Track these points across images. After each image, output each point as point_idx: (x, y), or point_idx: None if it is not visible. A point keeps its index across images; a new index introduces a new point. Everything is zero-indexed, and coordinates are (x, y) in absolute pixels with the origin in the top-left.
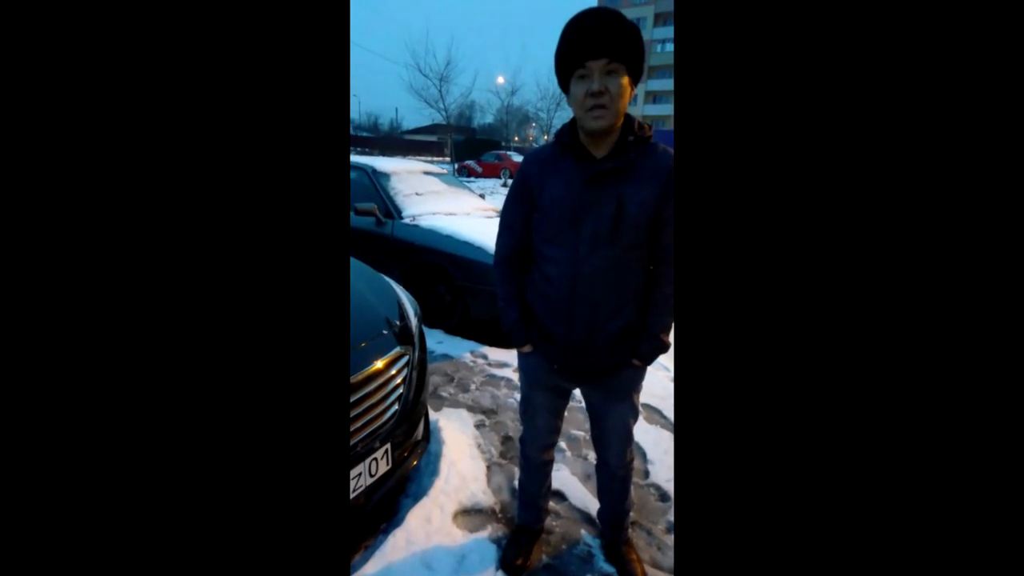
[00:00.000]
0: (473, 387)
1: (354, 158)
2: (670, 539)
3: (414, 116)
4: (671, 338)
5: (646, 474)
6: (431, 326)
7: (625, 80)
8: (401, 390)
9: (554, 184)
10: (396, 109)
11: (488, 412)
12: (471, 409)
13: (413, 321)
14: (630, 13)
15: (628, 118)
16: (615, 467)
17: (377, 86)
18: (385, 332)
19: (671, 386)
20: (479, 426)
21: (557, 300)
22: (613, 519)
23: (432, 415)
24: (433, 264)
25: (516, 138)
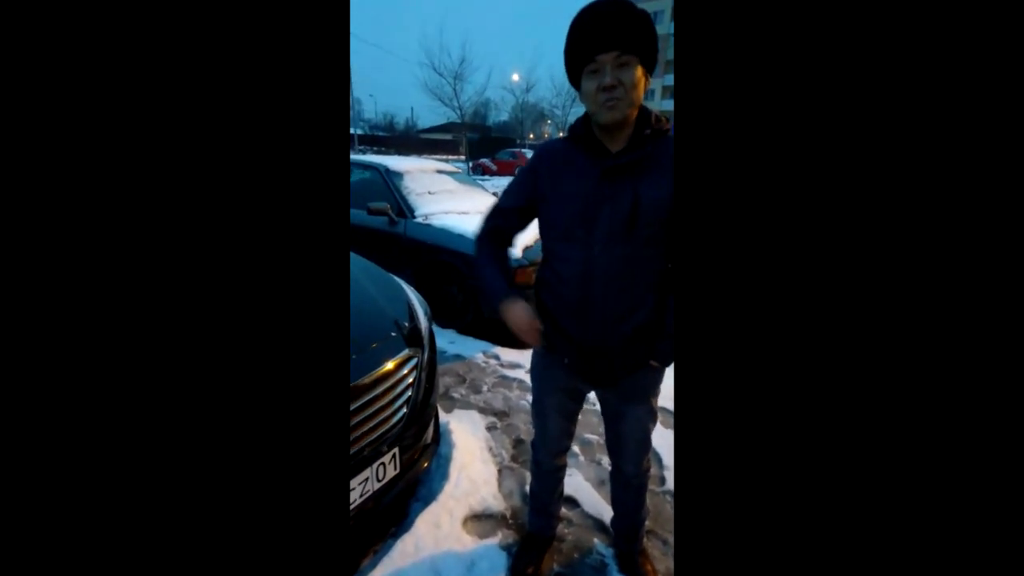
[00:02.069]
0: (485, 388)
1: (367, 157)
2: None
3: (429, 115)
4: None
5: (662, 481)
6: (443, 326)
7: (639, 71)
8: (410, 393)
9: (567, 179)
10: (412, 108)
11: (500, 414)
12: (482, 411)
13: (423, 322)
14: (649, 6)
15: (644, 111)
16: (631, 475)
17: (393, 85)
18: (394, 334)
19: None
20: (490, 428)
21: (570, 299)
22: (628, 529)
23: (443, 417)
24: (445, 263)
25: (531, 135)
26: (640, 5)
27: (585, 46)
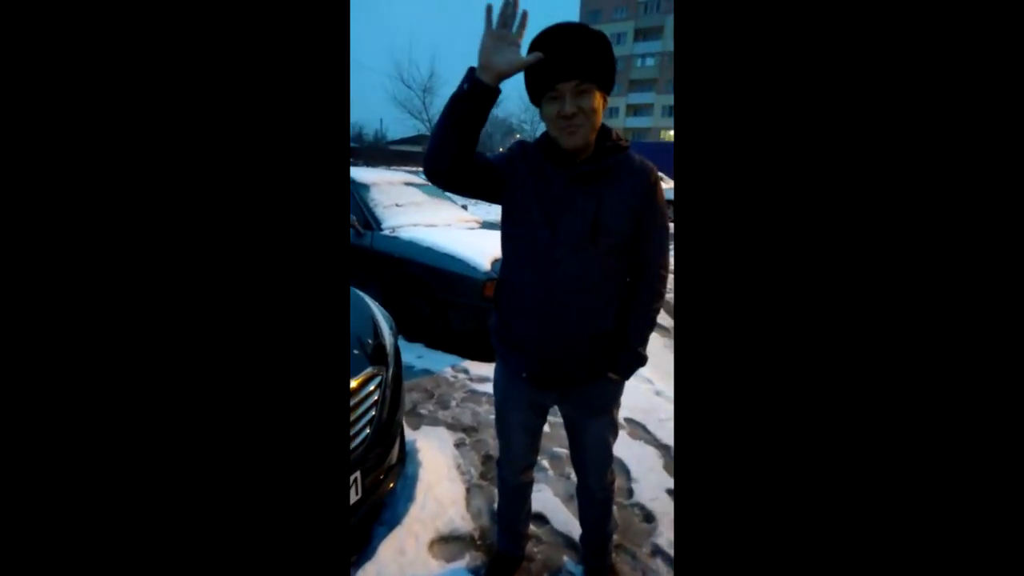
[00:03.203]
0: (453, 404)
1: None
2: (655, 563)
3: (398, 127)
4: (647, 351)
5: (630, 493)
6: (411, 340)
7: (597, 96)
8: (373, 412)
9: (535, 182)
10: (381, 120)
11: (468, 430)
12: (451, 427)
13: (388, 338)
14: (611, 28)
15: (604, 128)
16: (595, 489)
17: (361, 96)
18: (356, 352)
19: (655, 399)
20: (459, 445)
21: (532, 302)
22: (596, 545)
23: (410, 434)
24: (413, 276)
25: (500, 148)
26: (601, 27)
27: (545, 73)
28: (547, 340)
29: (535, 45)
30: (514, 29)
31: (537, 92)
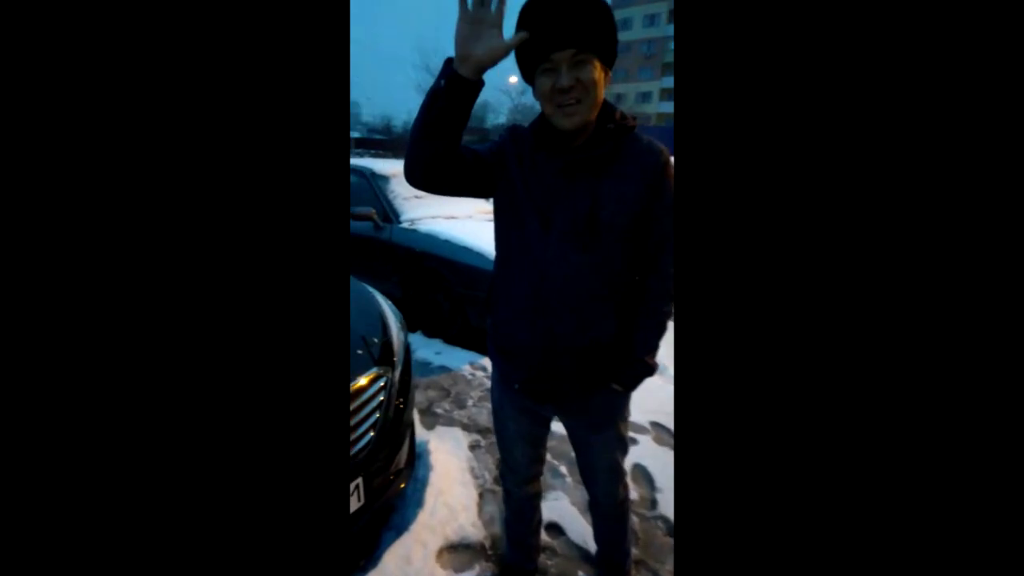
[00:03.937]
0: (470, 403)
1: (353, 161)
2: None
3: None
4: (657, 360)
5: (653, 504)
6: (430, 336)
7: (598, 69)
8: (378, 415)
9: (527, 170)
10: (409, 111)
11: (484, 431)
12: (466, 428)
13: (396, 336)
14: (644, 10)
15: (607, 106)
16: (607, 505)
17: (390, 87)
18: (360, 352)
19: None
20: (474, 447)
21: (520, 307)
22: (612, 563)
23: (424, 435)
24: (432, 271)
25: None
26: (634, 8)
27: (539, 42)
28: (539, 349)
29: (527, 12)
30: (492, 7)
31: (530, 65)
